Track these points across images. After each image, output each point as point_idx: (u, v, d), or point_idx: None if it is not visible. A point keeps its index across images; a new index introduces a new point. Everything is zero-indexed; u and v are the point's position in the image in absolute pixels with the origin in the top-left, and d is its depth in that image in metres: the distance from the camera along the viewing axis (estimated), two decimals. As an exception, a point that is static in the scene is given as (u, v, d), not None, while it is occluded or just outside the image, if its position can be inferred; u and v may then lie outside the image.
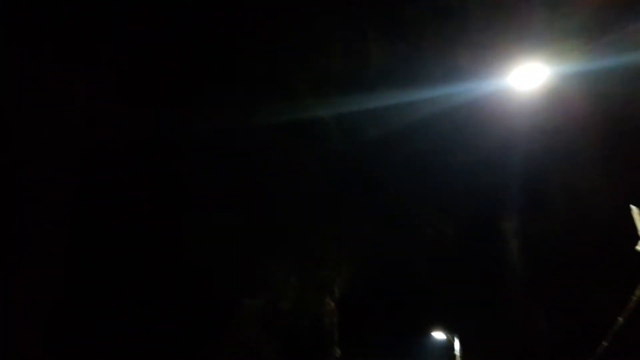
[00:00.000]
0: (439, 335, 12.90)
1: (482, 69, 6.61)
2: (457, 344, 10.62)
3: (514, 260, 7.27)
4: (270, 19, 6.06)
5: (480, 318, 7.48)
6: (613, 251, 6.39)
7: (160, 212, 6.19)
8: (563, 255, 6.76)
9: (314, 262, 7.11)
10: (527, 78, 6.50)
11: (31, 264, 5.12)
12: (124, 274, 5.90)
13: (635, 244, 5.10)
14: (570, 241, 6.70)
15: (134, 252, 5.98)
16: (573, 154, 6.69)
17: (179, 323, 6.37)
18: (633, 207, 5.30)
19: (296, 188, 6.90)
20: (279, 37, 6.23)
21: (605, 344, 5.61)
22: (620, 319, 5.21)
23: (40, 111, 5.13)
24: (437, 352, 13.34)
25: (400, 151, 6.92)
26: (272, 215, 6.81)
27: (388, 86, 6.58)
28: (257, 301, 6.71)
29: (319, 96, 6.49)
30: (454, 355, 10.66)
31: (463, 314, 7.61)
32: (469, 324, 7.69)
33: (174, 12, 5.77)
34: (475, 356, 8.52)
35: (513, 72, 6.45)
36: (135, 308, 6.02)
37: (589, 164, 6.70)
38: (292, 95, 6.38)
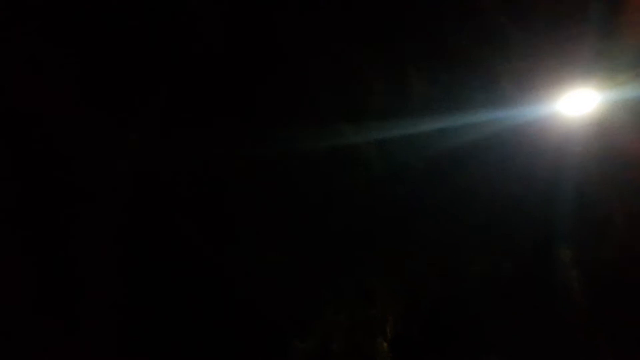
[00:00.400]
0: (496, 375, 12.31)
1: (531, 94, 6.51)
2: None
3: (575, 292, 6.99)
4: (309, 46, 6.09)
5: (542, 356, 7.14)
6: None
7: (204, 247, 6.10)
8: (628, 286, 6.48)
9: (364, 300, 6.90)
10: (577, 104, 6.39)
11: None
12: (167, 311, 5.80)
13: None
14: (636, 271, 6.43)
15: (177, 289, 5.88)
16: (632, 181, 6.52)
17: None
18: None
19: (341, 220, 6.77)
20: (318, 64, 6.24)
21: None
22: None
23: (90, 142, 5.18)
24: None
25: (446, 180, 6.77)
26: (316, 250, 6.67)
27: (430, 111, 6.49)
28: (306, 343, 6.48)
29: (358, 122, 6.42)
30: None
31: (523, 352, 7.27)
32: (529, 362, 7.35)
33: (218, 41, 5.86)
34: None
35: (563, 98, 6.35)
36: (177, 349, 5.88)
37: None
38: (331, 122, 6.33)
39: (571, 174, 6.65)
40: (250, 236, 6.27)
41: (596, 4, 6.00)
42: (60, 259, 5.02)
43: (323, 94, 6.38)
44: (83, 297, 5.02)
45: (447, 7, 6.22)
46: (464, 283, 7.04)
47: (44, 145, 4.62)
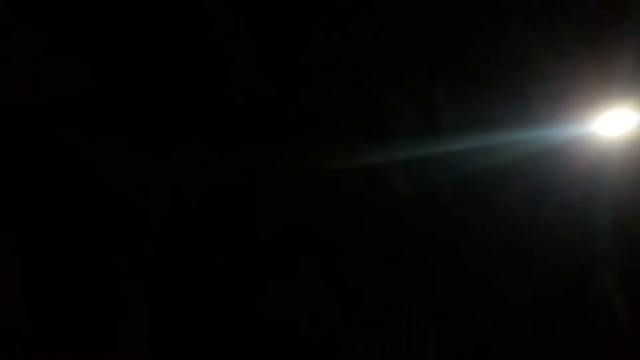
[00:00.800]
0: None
1: (566, 114, 6.40)
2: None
3: (619, 317, 6.74)
4: (339, 67, 6.02)
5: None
6: None
7: (235, 275, 5.88)
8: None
9: (399, 333, 6.56)
10: (615, 124, 6.28)
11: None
12: (194, 332, 5.57)
13: None
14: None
15: (207, 315, 5.64)
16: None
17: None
18: None
19: (371, 249, 6.52)
20: (348, 84, 6.16)
21: None
22: None
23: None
24: None
25: (481, 203, 6.58)
26: (348, 278, 6.41)
27: (464, 132, 6.35)
28: (341, 378, 6.11)
29: (390, 143, 6.26)
30: None
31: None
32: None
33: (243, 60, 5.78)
34: None
35: (600, 118, 6.24)
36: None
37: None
38: (358, 140, 6.18)
39: (609, 196, 6.50)
40: (278, 259, 6.01)
41: (633, 21, 5.98)
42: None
43: (352, 114, 6.23)
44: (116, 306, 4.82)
45: (479, 26, 6.17)
46: (504, 314, 6.76)
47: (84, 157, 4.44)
